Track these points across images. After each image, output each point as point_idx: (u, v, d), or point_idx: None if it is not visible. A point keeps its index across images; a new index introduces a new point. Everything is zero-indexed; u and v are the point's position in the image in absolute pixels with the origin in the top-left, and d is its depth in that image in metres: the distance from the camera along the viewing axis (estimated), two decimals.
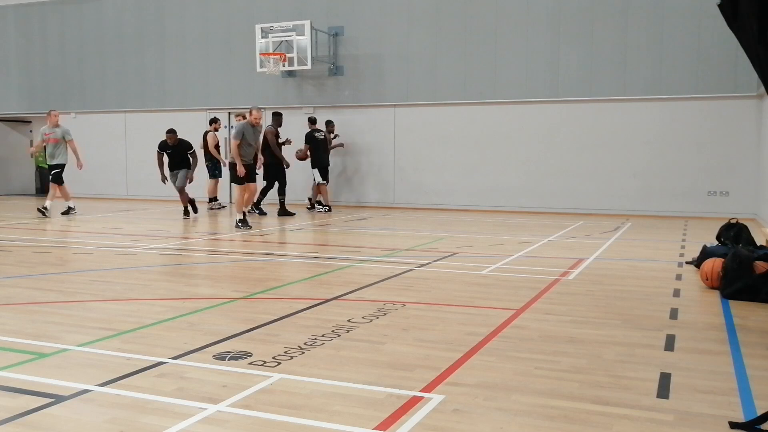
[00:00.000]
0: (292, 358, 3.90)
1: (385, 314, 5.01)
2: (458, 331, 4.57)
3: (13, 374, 3.60)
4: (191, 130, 17.21)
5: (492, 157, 14.89)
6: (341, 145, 15.43)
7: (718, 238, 7.67)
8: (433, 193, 15.29)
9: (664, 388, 3.44)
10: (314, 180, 14.16)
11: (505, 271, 7.01)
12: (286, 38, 15.39)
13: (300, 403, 3.19)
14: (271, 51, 15.46)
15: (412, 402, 3.22)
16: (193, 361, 3.83)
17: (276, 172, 13.27)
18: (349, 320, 4.80)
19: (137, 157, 17.66)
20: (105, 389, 3.36)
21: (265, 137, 12.76)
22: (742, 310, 5.26)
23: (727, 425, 2.97)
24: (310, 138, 14.03)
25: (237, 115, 13.66)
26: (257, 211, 13.35)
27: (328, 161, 14.44)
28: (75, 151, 12.82)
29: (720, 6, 3.03)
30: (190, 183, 12.65)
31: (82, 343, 4.20)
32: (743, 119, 13.16)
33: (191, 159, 12.57)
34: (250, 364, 3.78)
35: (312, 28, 15.25)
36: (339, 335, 4.39)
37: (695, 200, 13.52)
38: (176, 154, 12.48)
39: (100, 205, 14.14)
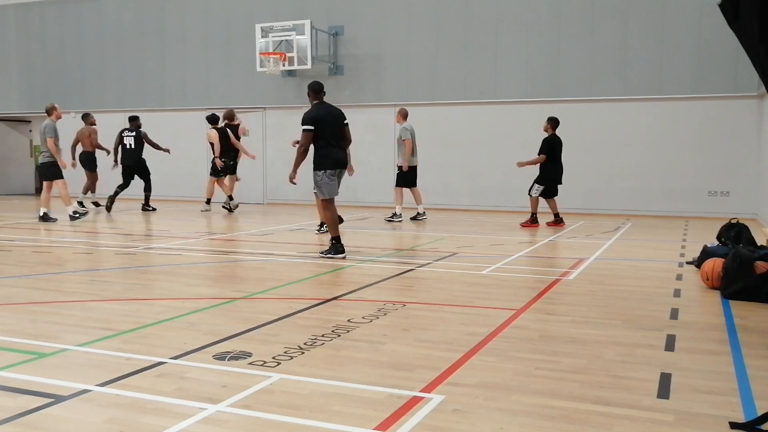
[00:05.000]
0: (292, 358, 3.89)
1: (385, 314, 5.00)
2: (458, 331, 4.57)
3: (13, 374, 3.60)
4: (191, 129, 17.25)
5: (492, 157, 14.89)
6: None
7: (718, 238, 7.67)
8: (433, 193, 15.28)
9: (664, 389, 3.43)
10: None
11: (505, 271, 7.01)
12: (286, 38, 15.40)
13: (300, 403, 3.19)
14: (271, 50, 15.46)
15: (412, 402, 3.21)
16: (192, 361, 3.83)
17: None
18: (349, 320, 4.79)
19: None
20: (105, 389, 3.36)
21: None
22: (742, 310, 5.26)
23: (728, 425, 2.96)
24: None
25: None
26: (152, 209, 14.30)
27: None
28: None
29: (721, 6, 3.03)
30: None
31: (81, 343, 4.20)
32: (743, 119, 13.16)
33: None
34: (250, 364, 3.78)
35: (312, 27, 15.25)
36: (339, 335, 4.39)
37: (696, 200, 13.52)
38: None
39: (100, 205, 14.16)
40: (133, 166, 14.10)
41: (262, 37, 15.58)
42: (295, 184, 8.26)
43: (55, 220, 12.00)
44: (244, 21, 16.55)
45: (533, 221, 11.49)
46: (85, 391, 3.34)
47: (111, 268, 7.29)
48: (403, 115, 12.17)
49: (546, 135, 11.34)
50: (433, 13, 15.19)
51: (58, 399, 3.23)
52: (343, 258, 7.77)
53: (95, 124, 14.59)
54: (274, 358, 3.88)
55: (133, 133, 14.12)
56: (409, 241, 9.68)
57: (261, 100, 16.86)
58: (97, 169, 14.57)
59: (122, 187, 14.03)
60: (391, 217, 12.23)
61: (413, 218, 12.34)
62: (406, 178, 11.98)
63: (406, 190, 12.16)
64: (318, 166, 7.95)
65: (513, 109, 14.71)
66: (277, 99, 16.76)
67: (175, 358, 3.89)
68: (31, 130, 21.17)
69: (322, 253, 7.96)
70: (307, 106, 15.59)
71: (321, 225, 10.41)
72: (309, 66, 15.29)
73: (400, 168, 12.01)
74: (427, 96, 15.30)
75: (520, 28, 14.53)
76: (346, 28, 15.90)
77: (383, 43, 15.61)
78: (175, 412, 3.08)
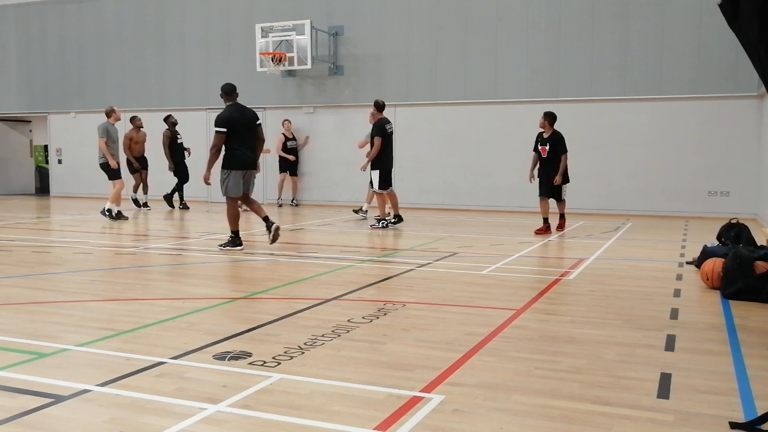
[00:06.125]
0: (292, 358, 3.89)
1: (385, 314, 5.00)
2: (458, 331, 4.57)
3: (13, 374, 3.60)
4: (191, 129, 17.24)
5: (492, 157, 14.89)
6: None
7: (718, 238, 7.67)
8: (433, 193, 15.29)
9: (664, 389, 3.43)
10: (371, 186, 11.68)
11: (505, 271, 7.00)
12: (286, 38, 15.39)
13: (300, 403, 3.19)
14: (271, 51, 15.46)
15: (412, 402, 3.21)
16: (193, 361, 3.83)
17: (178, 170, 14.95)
18: (349, 320, 4.79)
19: None
20: (105, 389, 3.36)
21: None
22: (742, 310, 5.26)
23: (728, 425, 2.96)
24: (380, 129, 11.21)
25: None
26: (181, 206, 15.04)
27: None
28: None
29: (720, 6, 3.03)
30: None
31: (82, 343, 4.20)
32: (743, 119, 13.16)
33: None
34: (250, 364, 3.78)
35: (312, 27, 15.25)
36: (339, 335, 4.39)
37: (695, 200, 13.52)
38: None
39: (101, 205, 14.12)
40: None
41: (262, 37, 15.58)
42: (209, 184, 8.68)
43: (126, 218, 12.44)
44: (244, 21, 16.54)
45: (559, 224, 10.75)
46: (85, 391, 3.34)
47: (111, 268, 7.29)
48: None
49: (544, 132, 10.47)
50: (433, 13, 15.18)
51: (58, 399, 3.23)
52: (241, 250, 8.33)
53: (141, 127, 14.42)
54: (274, 358, 3.88)
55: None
56: (409, 241, 9.67)
57: (261, 100, 16.84)
58: (136, 173, 14.44)
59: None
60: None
61: (355, 211, 12.91)
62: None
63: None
64: (225, 165, 8.36)
65: (513, 109, 14.71)
66: (277, 99, 16.76)
67: (175, 358, 3.89)
68: (31, 130, 21.17)
69: (220, 245, 8.48)
70: (308, 107, 15.79)
71: (399, 217, 11.32)
72: (309, 66, 15.28)
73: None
74: (427, 96, 15.30)
75: (520, 28, 14.53)
76: (346, 28, 15.89)
77: (383, 43, 15.61)
78: (175, 412, 3.08)
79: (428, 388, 3.40)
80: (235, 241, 8.42)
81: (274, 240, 8.52)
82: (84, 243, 9.34)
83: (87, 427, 2.92)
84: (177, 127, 15.04)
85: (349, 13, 15.83)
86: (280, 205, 15.71)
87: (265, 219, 8.58)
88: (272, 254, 8.26)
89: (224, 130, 8.19)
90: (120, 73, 18.38)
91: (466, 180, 15.18)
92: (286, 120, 15.84)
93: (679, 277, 6.74)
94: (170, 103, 17.77)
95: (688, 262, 7.54)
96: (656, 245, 9.32)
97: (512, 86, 14.65)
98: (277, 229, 8.47)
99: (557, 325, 4.74)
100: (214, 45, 17.24)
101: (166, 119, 14.98)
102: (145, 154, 14.56)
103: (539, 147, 10.54)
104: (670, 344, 4.27)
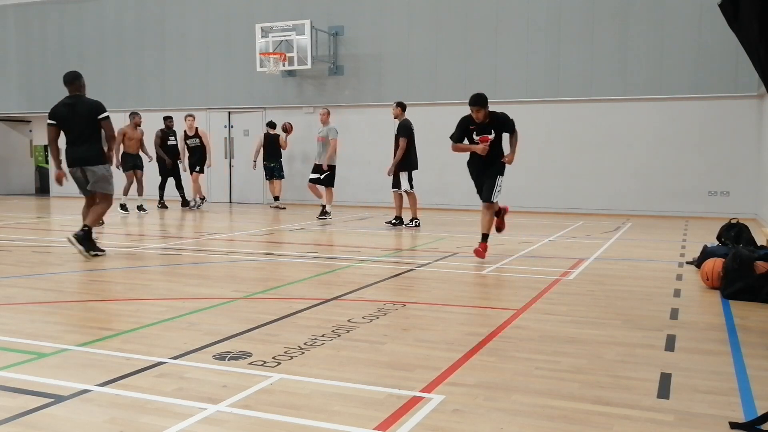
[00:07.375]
0: (292, 358, 3.89)
1: (385, 314, 5.00)
2: (458, 331, 4.57)
3: (13, 374, 3.60)
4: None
5: None
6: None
7: (718, 238, 7.67)
8: (432, 192, 15.28)
9: (664, 389, 3.43)
10: (400, 187, 11.17)
11: (505, 271, 7.00)
12: (286, 38, 15.41)
13: (300, 403, 3.18)
14: (271, 51, 15.48)
15: (412, 402, 3.21)
16: (193, 361, 3.83)
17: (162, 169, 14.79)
18: (349, 320, 4.79)
19: None
20: (105, 389, 3.36)
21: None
22: (742, 310, 5.26)
23: (728, 425, 2.96)
24: (407, 129, 11.08)
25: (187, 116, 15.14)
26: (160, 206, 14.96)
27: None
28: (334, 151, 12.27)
29: (721, 6, 3.03)
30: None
31: (81, 343, 4.19)
32: (743, 119, 13.16)
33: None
34: (250, 364, 3.78)
35: (312, 27, 15.26)
36: (339, 335, 4.39)
37: (696, 200, 13.52)
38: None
39: None
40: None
41: (262, 37, 15.59)
42: (60, 184, 8.18)
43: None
44: (244, 21, 16.55)
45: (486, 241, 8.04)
46: (85, 391, 3.33)
47: (111, 268, 7.28)
48: (329, 115, 12.65)
49: (476, 118, 8.28)
50: (433, 13, 15.19)
51: (58, 399, 3.22)
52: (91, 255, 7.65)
53: (138, 125, 13.80)
54: (274, 358, 3.88)
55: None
56: (409, 241, 9.68)
57: (261, 100, 16.87)
58: (129, 171, 13.76)
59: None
60: (322, 215, 12.37)
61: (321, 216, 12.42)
62: (333, 177, 12.28)
63: (322, 187, 12.41)
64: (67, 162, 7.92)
65: (513, 109, 14.54)
66: (277, 99, 16.76)
67: (175, 358, 3.88)
68: (31, 130, 21.18)
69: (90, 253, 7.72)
70: (308, 107, 15.63)
71: (400, 219, 11.22)
72: (309, 66, 15.30)
73: (330, 168, 12.20)
74: (427, 96, 15.30)
75: (520, 28, 14.53)
76: (346, 28, 15.90)
77: (383, 43, 15.61)
78: (175, 412, 3.07)
79: (428, 388, 3.40)
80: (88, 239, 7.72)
81: (74, 241, 7.65)
82: None
83: (87, 427, 2.92)
84: (173, 129, 14.90)
85: (349, 13, 15.84)
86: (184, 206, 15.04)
87: (85, 228, 7.76)
88: (272, 254, 8.25)
89: (53, 122, 7.93)
90: (120, 73, 18.39)
91: (465, 180, 15.14)
92: (189, 115, 14.86)
93: (679, 277, 6.74)
94: (170, 103, 17.77)
95: (688, 262, 7.54)
96: (656, 245, 9.32)
97: (512, 86, 14.64)
98: (79, 241, 7.67)
99: (557, 325, 4.74)
100: (214, 45, 17.25)
101: (166, 119, 14.85)
102: (140, 153, 14.06)
103: (475, 137, 8.32)
104: (670, 344, 4.27)
